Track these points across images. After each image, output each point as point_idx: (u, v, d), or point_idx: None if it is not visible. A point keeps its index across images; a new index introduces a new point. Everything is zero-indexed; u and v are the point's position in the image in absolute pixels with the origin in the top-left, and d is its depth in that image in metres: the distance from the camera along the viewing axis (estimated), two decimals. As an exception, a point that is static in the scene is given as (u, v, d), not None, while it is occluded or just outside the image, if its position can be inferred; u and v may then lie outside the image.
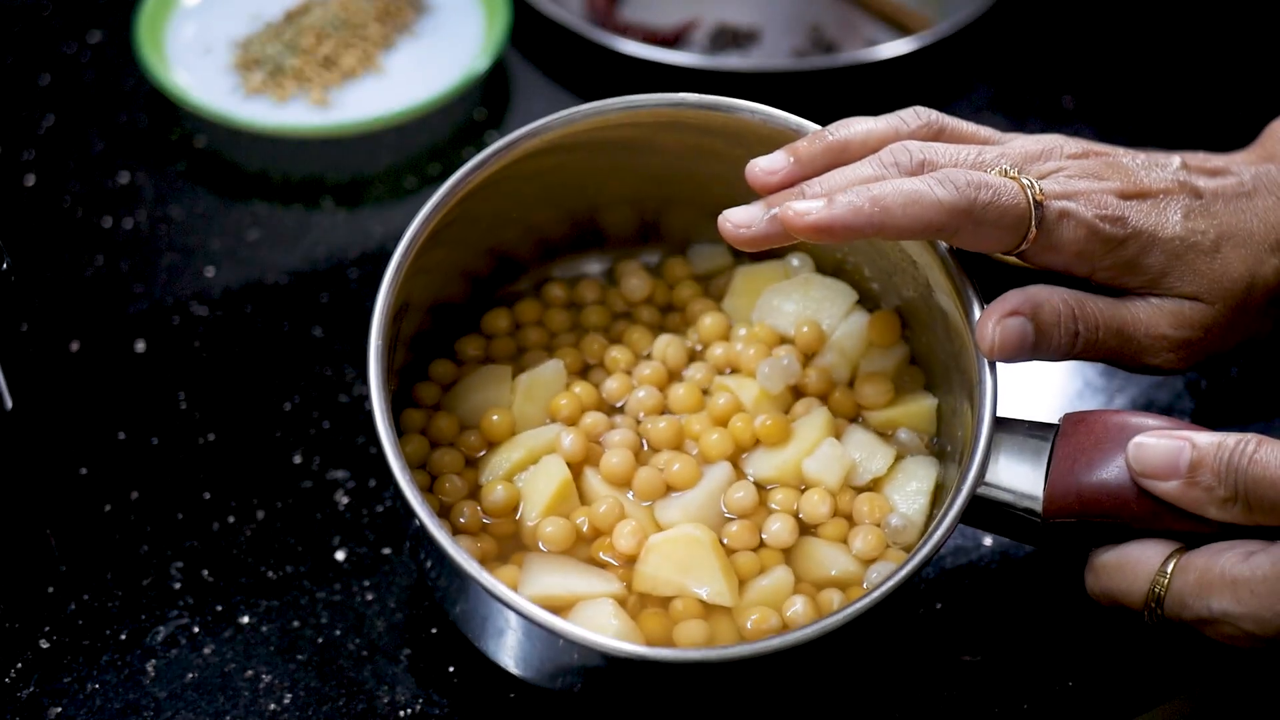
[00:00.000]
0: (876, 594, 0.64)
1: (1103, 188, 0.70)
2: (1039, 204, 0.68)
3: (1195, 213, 0.71)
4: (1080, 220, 0.69)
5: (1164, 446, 0.66)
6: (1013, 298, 0.69)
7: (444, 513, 0.73)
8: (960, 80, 1.11)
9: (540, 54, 1.11)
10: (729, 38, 1.13)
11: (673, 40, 1.13)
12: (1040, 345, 0.69)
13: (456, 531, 0.72)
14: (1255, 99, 1.10)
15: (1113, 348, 0.70)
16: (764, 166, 0.70)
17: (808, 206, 0.66)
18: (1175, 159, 0.74)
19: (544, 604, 0.64)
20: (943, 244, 0.71)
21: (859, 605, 0.64)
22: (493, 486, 0.73)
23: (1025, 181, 0.68)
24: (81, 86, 1.07)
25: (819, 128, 0.72)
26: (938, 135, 0.71)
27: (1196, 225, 0.71)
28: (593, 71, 1.09)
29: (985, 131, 0.72)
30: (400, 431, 0.75)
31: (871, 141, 0.70)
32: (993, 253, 0.70)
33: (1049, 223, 0.68)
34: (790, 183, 0.69)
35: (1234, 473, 0.64)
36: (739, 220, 0.68)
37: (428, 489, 0.74)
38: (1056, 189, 0.69)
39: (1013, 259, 0.71)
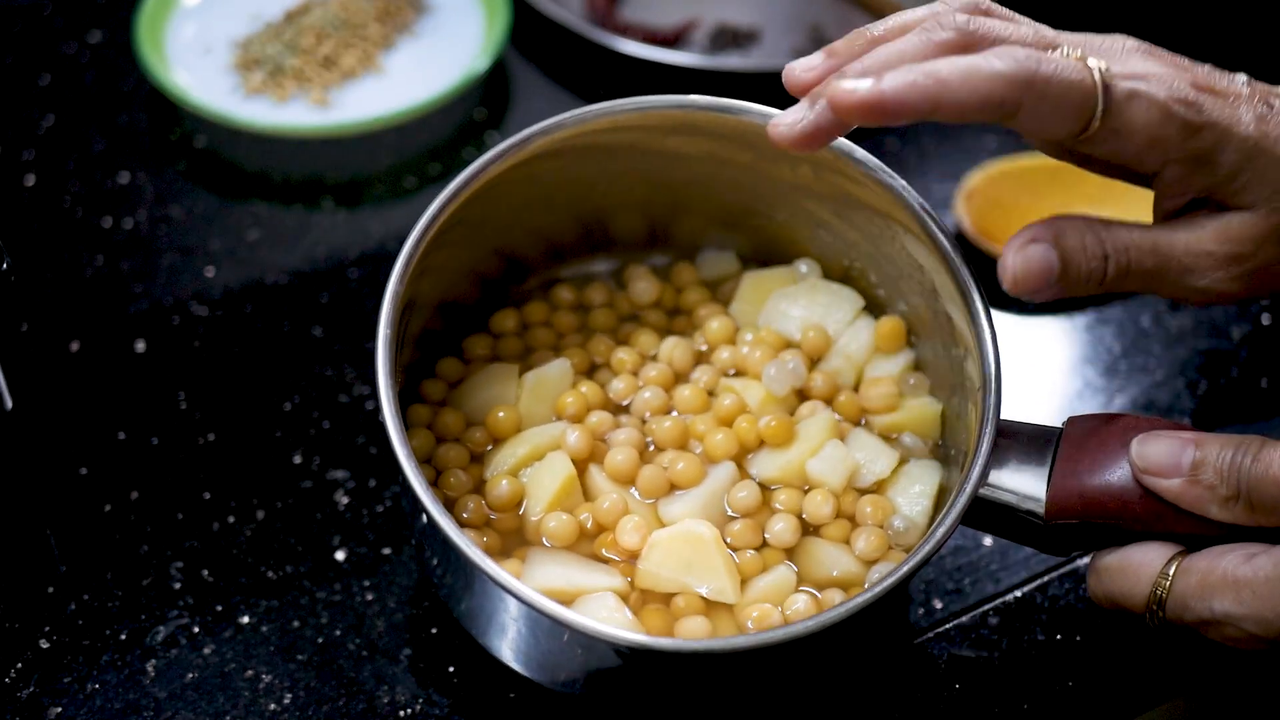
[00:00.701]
0: (878, 590, 0.64)
1: (1174, 74, 0.65)
2: (1106, 85, 0.63)
3: (1268, 120, 0.66)
4: (1153, 101, 0.64)
5: (1167, 444, 0.66)
6: (1033, 226, 0.65)
7: (448, 507, 0.73)
8: (960, 81, 1.10)
9: (540, 54, 1.11)
10: (729, 38, 1.13)
11: (673, 40, 1.13)
12: (1067, 274, 0.65)
13: (461, 526, 0.72)
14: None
15: (1149, 270, 0.66)
16: (801, 64, 0.66)
17: (855, 84, 0.61)
18: (1241, 75, 0.69)
19: (546, 598, 0.64)
20: (949, 247, 0.71)
21: (860, 600, 0.64)
22: (497, 481, 0.73)
23: (1091, 62, 0.64)
24: (81, 86, 1.07)
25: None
26: (986, 12, 0.66)
27: (1270, 130, 0.66)
28: (593, 72, 1.09)
29: (1040, 28, 0.67)
30: (406, 427, 0.75)
31: (910, 26, 0.65)
32: (1056, 139, 0.65)
33: (1118, 103, 0.64)
34: (827, 78, 0.65)
35: (1236, 471, 0.64)
36: (786, 119, 0.64)
37: (432, 484, 0.74)
38: (1123, 70, 0.64)
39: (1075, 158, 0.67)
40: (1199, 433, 0.66)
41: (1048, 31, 0.66)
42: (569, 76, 1.10)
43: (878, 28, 0.66)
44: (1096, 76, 0.63)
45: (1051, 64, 0.63)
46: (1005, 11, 0.67)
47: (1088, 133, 0.64)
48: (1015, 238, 0.65)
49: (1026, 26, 0.66)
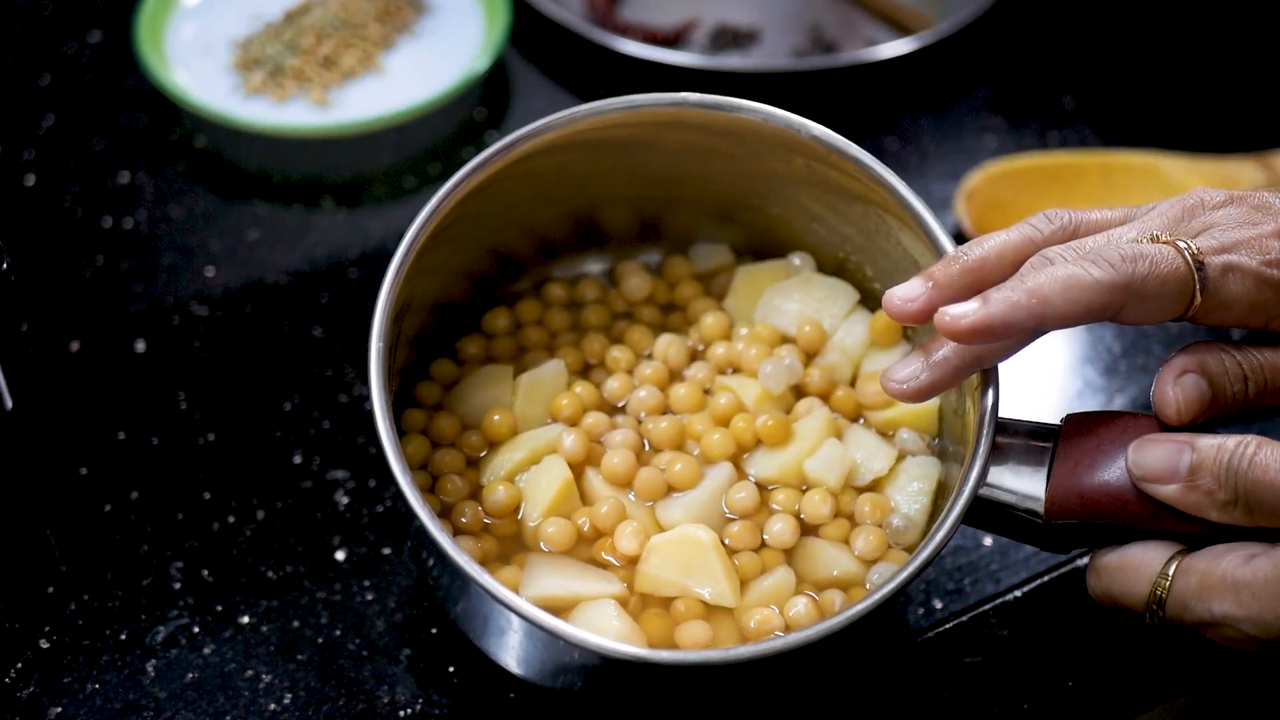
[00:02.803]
0: (878, 596, 0.64)
1: (1259, 233, 0.67)
2: (1199, 264, 0.65)
3: None
4: (1246, 271, 0.66)
5: (1164, 449, 0.66)
6: (1177, 359, 0.67)
7: (445, 513, 0.73)
8: (960, 80, 1.11)
9: (540, 54, 1.11)
10: (729, 38, 1.13)
11: (673, 40, 1.13)
12: (1216, 400, 0.67)
13: (458, 532, 0.72)
14: (1256, 99, 1.10)
15: None
16: (901, 295, 0.67)
17: (963, 310, 0.64)
18: None
19: (545, 605, 0.64)
20: (945, 242, 0.71)
21: (861, 607, 0.64)
22: (494, 487, 0.73)
23: (1181, 244, 0.66)
24: (82, 86, 1.07)
25: (949, 248, 0.70)
26: (1073, 233, 0.68)
27: None
28: (593, 71, 1.09)
29: (1119, 211, 0.69)
30: (401, 431, 0.75)
31: (1008, 254, 0.67)
32: (1159, 322, 0.67)
33: (1213, 281, 0.66)
34: (930, 308, 0.67)
35: (1234, 475, 0.64)
36: (902, 376, 0.68)
37: (429, 489, 0.74)
38: (1214, 244, 0.66)
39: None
40: (1196, 435, 0.66)
41: (1131, 230, 0.68)
42: (569, 76, 1.10)
43: (974, 252, 0.68)
44: (1189, 260, 0.65)
45: (1146, 261, 0.65)
46: (1089, 220, 0.69)
47: (1190, 312, 0.66)
48: (1165, 372, 0.67)
49: (1111, 234, 0.68)
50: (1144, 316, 0.66)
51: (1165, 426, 0.67)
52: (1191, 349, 0.67)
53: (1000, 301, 0.64)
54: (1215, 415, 0.67)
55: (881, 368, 0.76)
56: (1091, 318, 0.65)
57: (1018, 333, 0.64)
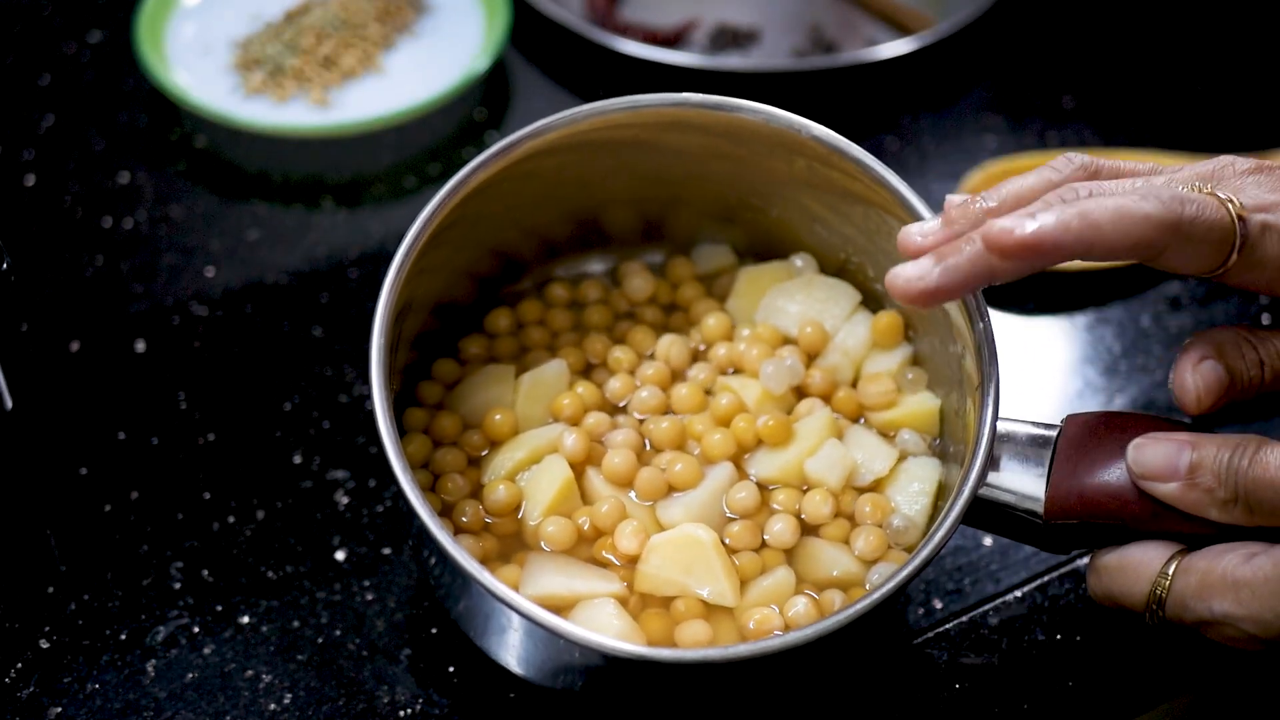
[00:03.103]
0: (878, 595, 0.64)
1: None
2: (1241, 219, 0.64)
3: None
4: None
5: (1163, 448, 0.66)
6: (1193, 346, 0.67)
7: (446, 512, 0.73)
8: (961, 81, 1.11)
9: (540, 54, 1.11)
10: (729, 38, 1.13)
11: (673, 40, 1.13)
12: (1234, 385, 0.66)
13: (458, 531, 0.72)
14: (1256, 99, 1.10)
15: None
16: (918, 229, 0.66)
17: (1014, 223, 0.61)
18: None
19: (545, 604, 0.64)
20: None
21: (860, 606, 0.64)
22: (495, 486, 0.73)
23: (1223, 195, 0.65)
24: (81, 86, 1.07)
25: (952, 197, 0.67)
26: (1093, 175, 0.67)
27: None
28: (593, 71, 1.09)
29: (1147, 165, 0.69)
30: (403, 431, 0.75)
31: (1027, 197, 0.66)
32: (1193, 274, 0.66)
33: (1253, 238, 0.65)
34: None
35: (1234, 474, 0.64)
36: (908, 272, 0.65)
37: (430, 488, 0.74)
38: (1252, 202, 0.65)
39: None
40: (1196, 434, 0.66)
41: (1164, 175, 0.67)
42: (569, 76, 1.10)
43: (993, 196, 0.66)
44: (1231, 213, 0.64)
45: (1194, 204, 0.64)
46: (1112, 165, 0.68)
47: (1224, 267, 0.65)
48: (1182, 360, 0.67)
49: (1140, 164, 0.67)
50: (1183, 262, 0.65)
51: (1166, 426, 0.67)
52: (1206, 335, 0.67)
53: (1053, 221, 0.61)
54: (1232, 400, 0.67)
55: (883, 369, 0.77)
56: (1135, 254, 0.63)
57: (1062, 256, 0.62)
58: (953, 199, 0.67)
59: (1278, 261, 0.66)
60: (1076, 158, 0.67)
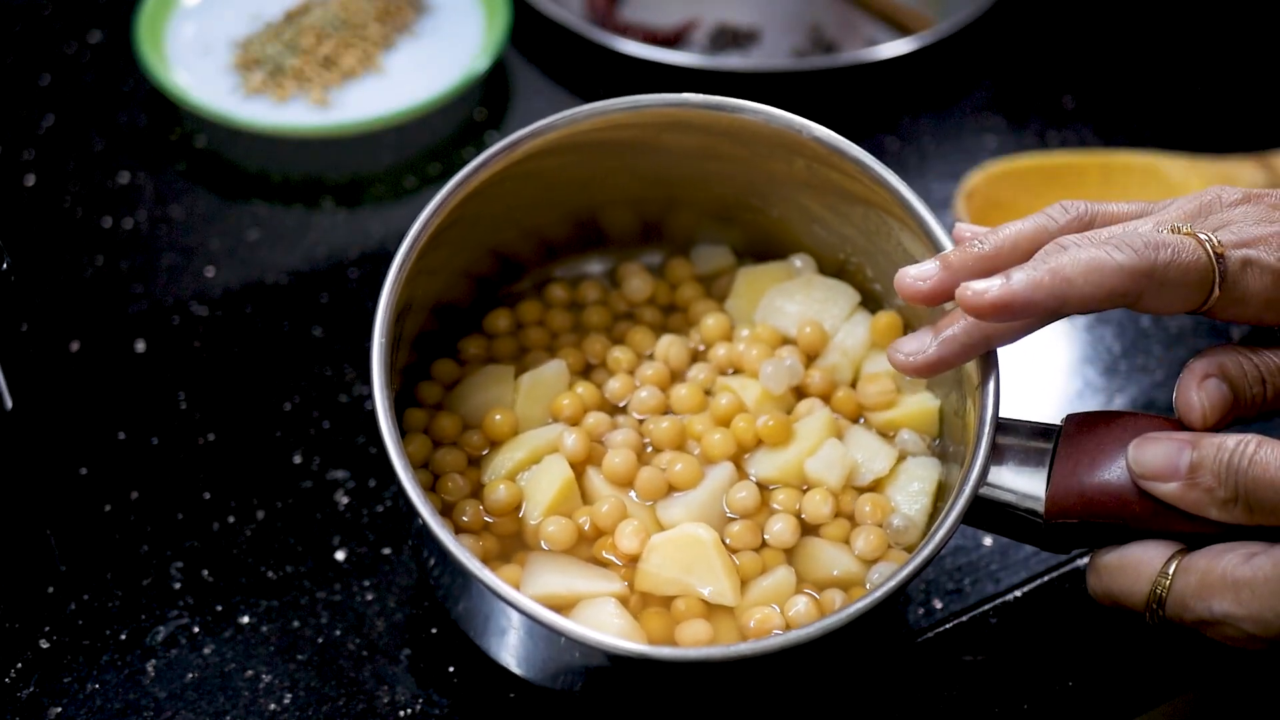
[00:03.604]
0: (878, 594, 0.64)
1: (1278, 230, 0.67)
2: (1219, 256, 0.65)
3: None
4: (1265, 267, 0.66)
5: (1163, 448, 0.66)
6: (1197, 364, 0.67)
7: (446, 512, 0.73)
8: (961, 81, 1.11)
9: (540, 54, 1.11)
10: (729, 38, 1.14)
11: (673, 40, 1.13)
12: (1238, 401, 0.67)
13: (459, 530, 0.72)
14: (1256, 99, 1.10)
15: None
16: (914, 274, 0.68)
17: (985, 285, 0.64)
18: None
19: (546, 603, 0.64)
20: (945, 243, 0.71)
21: (861, 605, 0.64)
22: (495, 486, 0.73)
23: (1202, 236, 0.66)
24: (81, 86, 1.07)
25: (962, 228, 0.70)
26: (1089, 224, 0.69)
27: None
28: (593, 71, 1.09)
29: (1136, 205, 0.70)
30: (403, 431, 0.75)
31: (1022, 243, 0.67)
32: (1176, 313, 0.67)
33: (1233, 275, 0.66)
34: (941, 290, 0.67)
35: (1234, 474, 0.64)
36: (910, 349, 0.69)
37: (430, 488, 0.74)
38: (1233, 238, 0.66)
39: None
40: (1196, 434, 0.66)
41: (1149, 221, 0.68)
42: (569, 76, 1.10)
43: (990, 240, 0.68)
44: (1209, 251, 0.65)
45: (1168, 249, 0.65)
46: (1105, 212, 0.69)
47: (1207, 305, 0.66)
48: (1186, 378, 0.67)
49: (1132, 205, 0.69)
50: (1162, 305, 0.66)
51: (1167, 425, 0.67)
52: (1209, 353, 0.68)
53: (1023, 280, 0.64)
54: (1237, 418, 0.67)
55: (882, 369, 0.77)
56: (1111, 303, 0.65)
57: (1037, 312, 0.65)
58: (961, 230, 0.70)
59: (1262, 296, 0.66)
60: (1072, 206, 0.69)
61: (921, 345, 0.68)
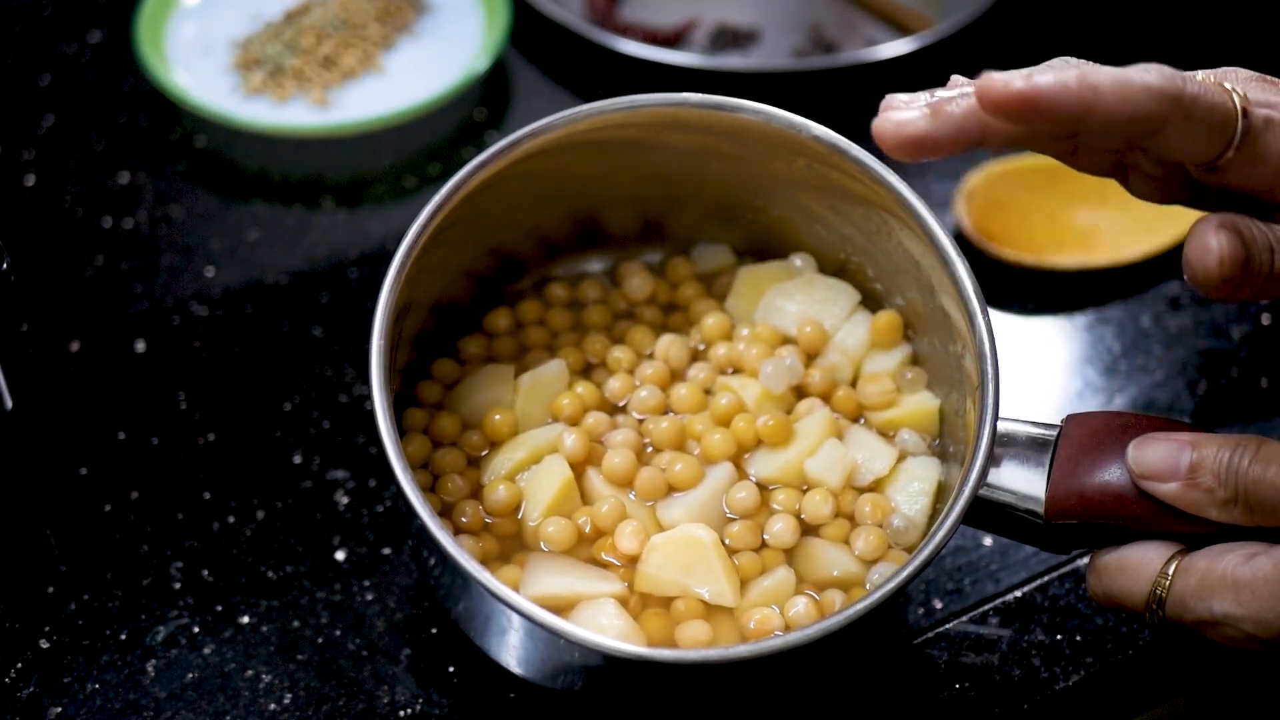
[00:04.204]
0: (878, 595, 0.64)
1: None
2: (1244, 111, 0.62)
3: None
4: None
5: (1163, 448, 0.66)
6: (1213, 216, 0.63)
7: (446, 512, 0.73)
8: (960, 80, 1.11)
9: (540, 54, 1.11)
10: (729, 37, 1.14)
11: (673, 40, 1.13)
12: (1249, 262, 0.63)
13: (458, 531, 0.72)
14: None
15: None
16: (903, 97, 0.63)
17: (1010, 75, 0.58)
18: None
19: (546, 604, 0.64)
20: (945, 243, 0.71)
21: (860, 606, 0.64)
22: (495, 486, 0.73)
23: (1227, 85, 0.62)
24: (81, 86, 1.07)
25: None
26: None
27: None
28: (593, 71, 1.09)
29: None
30: (402, 431, 0.75)
31: None
32: (1190, 161, 0.63)
33: (1255, 129, 0.62)
34: (930, 135, 0.62)
35: (1234, 474, 0.64)
36: (900, 118, 0.61)
37: (429, 488, 0.74)
38: (1257, 97, 0.63)
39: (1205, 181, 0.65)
40: (1196, 434, 0.66)
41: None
42: (569, 76, 1.10)
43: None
44: (1234, 101, 0.62)
45: (1197, 84, 0.61)
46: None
47: (1223, 158, 0.63)
48: (1201, 224, 0.62)
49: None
50: (1181, 144, 0.62)
51: (1167, 426, 0.67)
52: (1219, 214, 0.63)
53: (1050, 80, 0.59)
54: (1242, 286, 0.63)
55: (882, 368, 0.77)
56: (1133, 126, 0.61)
57: (1058, 117, 0.59)
58: (958, 79, 0.65)
59: (1278, 160, 0.63)
60: (1075, 60, 0.64)
61: (912, 116, 0.62)
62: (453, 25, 1.10)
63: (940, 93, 0.63)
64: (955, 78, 0.65)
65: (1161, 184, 0.67)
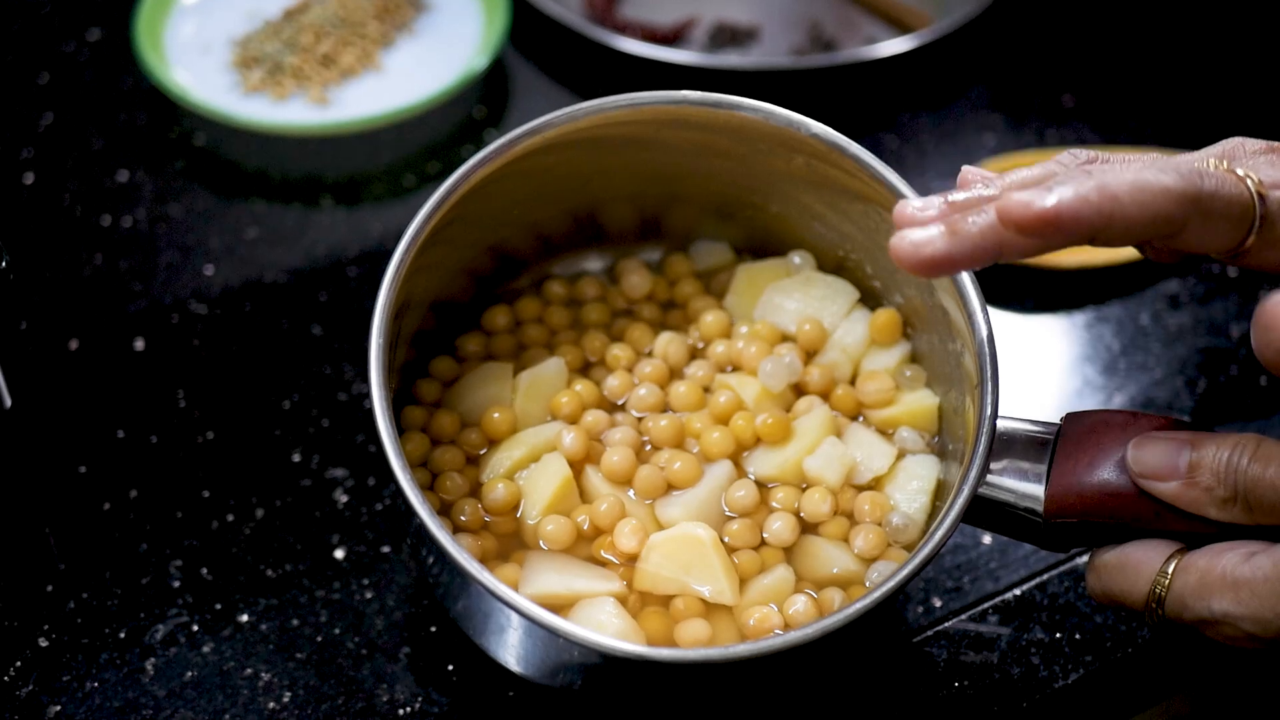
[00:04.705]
0: (878, 593, 0.64)
1: None
2: (1260, 196, 0.62)
3: None
4: None
5: (1163, 447, 0.65)
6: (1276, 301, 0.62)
7: (445, 510, 0.73)
8: (960, 79, 1.11)
9: (539, 52, 1.11)
10: (728, 35, 1.13)
11: (672, 38, 1.13)
12: None
13: (457, 529, 0.72)
14: (1255, 99, 1.10)
15: None
16: (916, 204, 0.62)
17: (1031, 196, 0.58)
18: None
19: (545, 603, 0.64)
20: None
21: (860, 604, 0.64)
22: (494, 484, 0.73)
23: (1240, 172, 0.62)
24: (80, 85, 1.07)
25: (968, 171, 0.64)
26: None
27: None
28: (592, 70, 1.09)
29: (1151, 155, 0.66)
30: (401, 429, 0.75)
31: (1031, 186, 0.62)
32: (1212, 253, 0.63)
33: (1273, 215, 0.62)
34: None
35: (1233, 473, 0.64)
36: (918, 238, 0.60)
37: (428, 487, 0.74)
38: (1271, 179, 0.63)
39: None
40: (1195, 433, 0.65)
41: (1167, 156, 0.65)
42: (568, 75, 1.10)
43: (993, 185, 0.63)
44: (1250, 188, 0.62)
45: (1213, 178, 0.61)
46: (1118, 159, 0.65)
47: (1244, 245, 0.63)
48: (1271, 310, 0.62)
49: (1146, 155, 0.65)
50: (1202, 240, 0.62)
51: (1166, 425, 0.67)
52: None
53: (1070, 195, 0.58)
54: None
55: (881, 366, 0.77)
56: (1155, 229, 0.60)
57: (1080, 231, 0.59)
58: (969, 172, 0.65)
59: None
60: (1081, 153, 0.66)
61: (930, 236, 0.60)
62: (452, 24, 1.10)
63: (954, 196, 0.62)
64: (966, 171, 0.65)
65: (1180, 255, 0.67)
